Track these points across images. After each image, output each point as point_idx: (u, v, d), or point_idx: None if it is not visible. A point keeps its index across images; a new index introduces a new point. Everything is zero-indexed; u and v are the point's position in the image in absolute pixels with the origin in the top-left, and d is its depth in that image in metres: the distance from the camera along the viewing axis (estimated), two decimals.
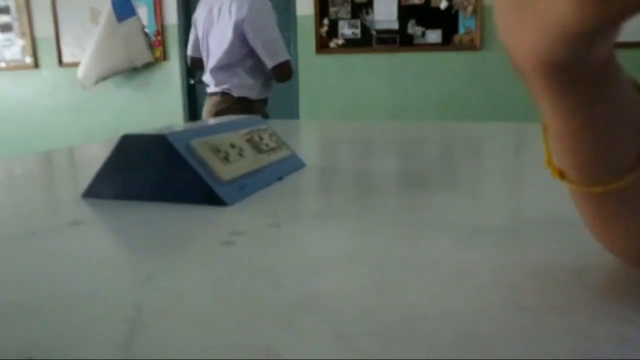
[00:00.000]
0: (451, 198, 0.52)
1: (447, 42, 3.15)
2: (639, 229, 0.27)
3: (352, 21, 3.26)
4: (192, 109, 3.75)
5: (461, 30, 3.11)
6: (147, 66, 3.68)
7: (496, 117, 3.00)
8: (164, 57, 3.67)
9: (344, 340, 0.24)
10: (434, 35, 3.16)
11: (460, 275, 0.31)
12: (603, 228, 0.28)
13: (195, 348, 0.23)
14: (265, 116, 1.97)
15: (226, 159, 0.53)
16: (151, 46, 3.62)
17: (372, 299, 0.28)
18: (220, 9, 1.84)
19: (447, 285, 0.30)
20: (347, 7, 3.25)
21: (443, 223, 0.43)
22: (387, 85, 3.29)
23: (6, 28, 3.99)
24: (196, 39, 1.99)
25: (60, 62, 3.93)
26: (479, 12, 3.06)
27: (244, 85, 1.88)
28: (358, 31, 3.26)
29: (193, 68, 2.11)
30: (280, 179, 0.60)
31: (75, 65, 3.77)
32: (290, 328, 0.25)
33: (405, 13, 3.17)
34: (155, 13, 3.62)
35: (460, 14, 3.09)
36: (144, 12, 3.61)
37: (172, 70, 3.69)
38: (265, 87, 1.95)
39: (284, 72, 1.86)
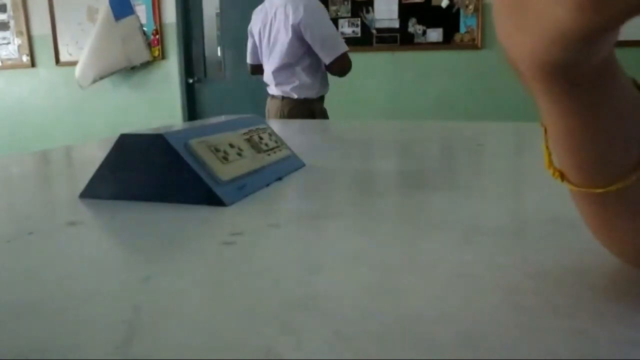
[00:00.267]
0: (451, 198, 0.51)
1: (448, 41, 3.13)
2: (639, 229, 0.26)
3: (353, 20, 3.25)
4: (191, 109, 3.74)
5: (462, 29, 3.09)
6: (145, 65, 3.67)
7: (497, 117, 2.99)
8: (163, 55, 3.66)
9: (343, 340, 0.23)
10: (434, 34, 3.15)
11: (460, 275, 0.31)
12: (604, 229, 0.28)
13: (194, 349, 0.23)
14: (324, 113, 2.06)
15: (225, 158, 0.53)
16: (149, 45, 3.62)
17: (372, 299, 0.28)
18: (275, 13, 1.95)
19: (447, 286, 0.29)
20: (347, 6, 3.24)
21: (443, 223, 0.42)
22: (387, 85, 3.29)
23: (2, 26, 3.98)
24: (254, 47, 2.11)
25: (57, 61, 3.92)
26: (480, 10, 3.04)
27: (304, 86, 1.98)
28: (358, 30, 3.26)
29: (254, 74, 2.23)
30: (279, 179, 0.59)
31: (72, 64, 3.75)
32: (289, 328, 0.25)
33: (405, 12, 3.16)
34: (154, 11, 3.61)
35: (462, 13, 3.08)
36: (142, 11, 3.60)
37: (171, 69, 3.68)
38: (323, 85, 2.05)
39: (343, 64, 1.94)
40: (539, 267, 0.32)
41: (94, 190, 0.52)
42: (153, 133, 0.50)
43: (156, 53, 3.66)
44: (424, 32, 3.16)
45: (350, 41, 3.27)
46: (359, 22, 3.25)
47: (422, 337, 0.24)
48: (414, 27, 3.17)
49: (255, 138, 0.62)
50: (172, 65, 3.67)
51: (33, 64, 3.98)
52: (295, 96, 1.98)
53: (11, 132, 4.14)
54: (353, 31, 3.26)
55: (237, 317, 0.26)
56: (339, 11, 3.26)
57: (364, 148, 0.95)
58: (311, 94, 2.00)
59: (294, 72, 1.96)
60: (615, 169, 0.24)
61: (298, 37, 1.89)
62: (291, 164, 0.65)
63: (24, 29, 3.93)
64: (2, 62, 4.04)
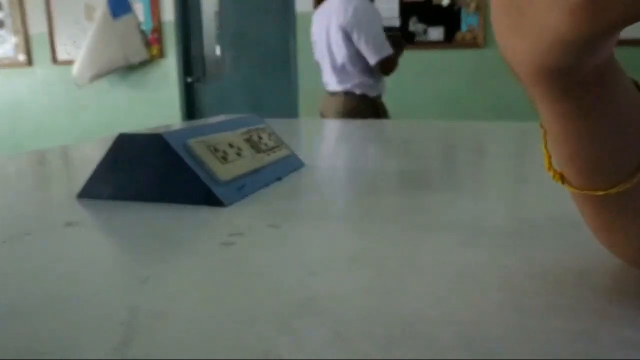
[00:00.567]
0: (453, 199, 0.51)
1: (449, 40, 3.10)
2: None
3: None
4: (190, 108, 3.73)
5: (464, 27, 3.06)
6: (144, 64, 3.66)
7: (499, 117, 2.98)
8: (161, 54, 3.65)
9: (343, 342, 0.23)
10: (436, 33, 3.11)
11: (461, 276, 0.31)
12: (604, 230, 0.28)
13: (193, 351, 0.23)
14: (385, 112, 2.10)
15: (224, 158, 0.53)
16: (147, 43, 3.61)
17: (373, 300, 0.28)
18: (329, 15, 2.00)
19: (450, 287, 0.29)
20: None
21: (445, 224, 0.42)
22: (387, 84, 3.28)
23: None
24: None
25: (54, 59, 3.90)
26: (482, 9, 3.01)
27: (364, 84, 2.01)
28: None
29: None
30: (279, 179, 0.59)
31: (69, 62, 3.74)
32: (289, 330, 0.24)
33: (406, 10, 3.13)
34: (152, 9, 3.60)
35: (463, 11, 3.04)
36: (140, 9, 3.59)
37: (169, 68, 3.67)
38: (382, 84, 2.09)
39: (389, 65, 1.98)
40: (540, 268, 0.32)
41: (91, 191, 0.51)
42: (151, 133, 0.50)
43: (154, 52, 3.65)
44: (425, 31, 3.14)
45: None
46: None
47: (423, 338, 0.24)
48: (415, 25, 3.15)
49: (255, 138, 0.62)
50: (170, 64, 3.66)
51: (30, 62, 3.97)
52: (357, 92, 2.01)
53: (8, 131, 4.13)
54: None
55: (236, 318, 0.26)
56: None
57: (364, 148, 0.95)
58: (371, 92, 2.03)
59: (353, 72, 2.00)
60: (615, 172, 0.24)
61: (347, 37, 1.94)
62: (291, 164, 0.65)
63: (20, 27, 3.91)
64: None
